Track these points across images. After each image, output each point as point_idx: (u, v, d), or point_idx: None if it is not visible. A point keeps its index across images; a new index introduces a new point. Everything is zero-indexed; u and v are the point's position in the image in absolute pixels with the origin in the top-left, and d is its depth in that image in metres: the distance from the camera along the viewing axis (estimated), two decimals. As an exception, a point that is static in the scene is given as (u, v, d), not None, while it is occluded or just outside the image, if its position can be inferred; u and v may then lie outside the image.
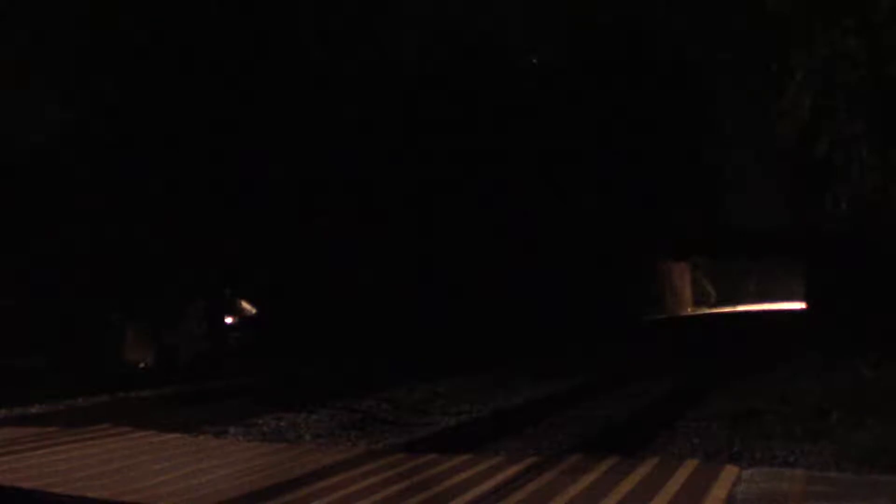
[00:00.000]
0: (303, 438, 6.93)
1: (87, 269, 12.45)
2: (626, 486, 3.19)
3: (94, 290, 12.53)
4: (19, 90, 11.99)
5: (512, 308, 20.84)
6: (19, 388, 9.31)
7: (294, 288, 15.58)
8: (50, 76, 12.45)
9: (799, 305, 28.95)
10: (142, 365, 12.99)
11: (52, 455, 4.11)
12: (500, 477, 3.41)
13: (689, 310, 48.91)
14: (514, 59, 23.64)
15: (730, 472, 3.35)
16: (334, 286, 16.28)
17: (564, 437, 6.66)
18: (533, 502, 3.03)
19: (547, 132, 25.90)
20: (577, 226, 30.69)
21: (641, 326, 28.92)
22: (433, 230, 19.34)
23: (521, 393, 9.47)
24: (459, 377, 11.02)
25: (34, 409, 8.42)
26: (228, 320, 14.66)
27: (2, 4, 11.94)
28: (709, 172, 41.36)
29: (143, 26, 13.23)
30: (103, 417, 6.05)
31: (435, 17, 18.92)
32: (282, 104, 15.28)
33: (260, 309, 15.06)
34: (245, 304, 14.94)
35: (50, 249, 12.13)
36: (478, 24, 20.84)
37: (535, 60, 25.07)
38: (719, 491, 3.05)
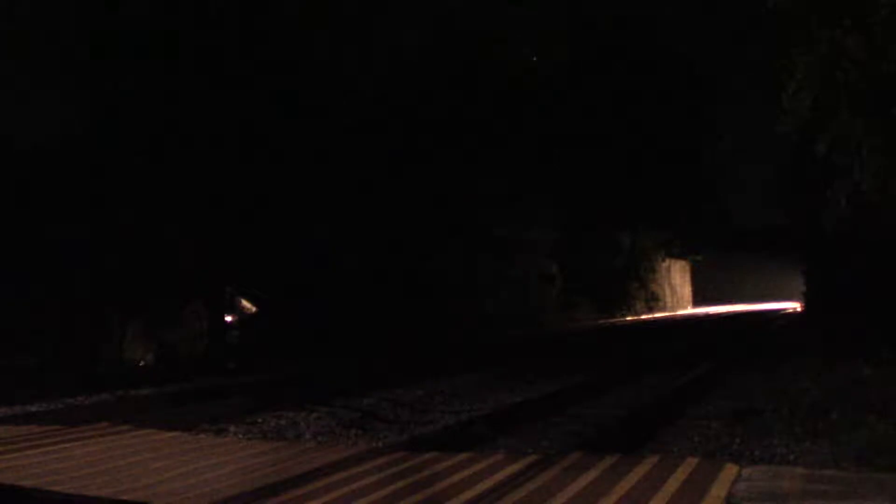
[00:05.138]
0: (303, 437, 6.93)
1: (88, 268, 12.45)
2: (625, 484, 3.19)
3: (94, 289, 12.53)
4: (21, 88, 11.98)
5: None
6: (19, 387, 9.31)
7: (294, 287, 15.59)
8: (52, 75, 12.45)
9: (799, 304, 28.98)
10: (141, 363, 12.99)
11: (51, 453, 4.11)
12: (500, 475, 3.41)
13: (688, 308, 48.92)
14: (515, 57, 23.68)
15: (729, 470, 3.35)
16: (334, 286, 16.29)
17: (564, 436, 6.67)
18: (533, 501, 3.02)
19: (545, 130, 25.93)
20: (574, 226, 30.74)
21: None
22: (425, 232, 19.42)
23: (521, 391, 9.48)
24: (459, 376, 11.03)
25: (34, 408, 8.41)
26: (228, 319, 14.65)
27: (4, 3, 11.94)
28: (709, 172, 41.43)
29: (143, 26, 13.23)
30: (103, 416, 6.05)
31: (434, 16, 18.93)
32: (280, 104, 15.29)
33: (260, 308, 15.05)
34: (245, 303, 14.93)
35: (50, 249, 12.13)
36: (478, 23, 20.86)
37: (535, 58, 25.08)
38: (719, 489, 3.05)
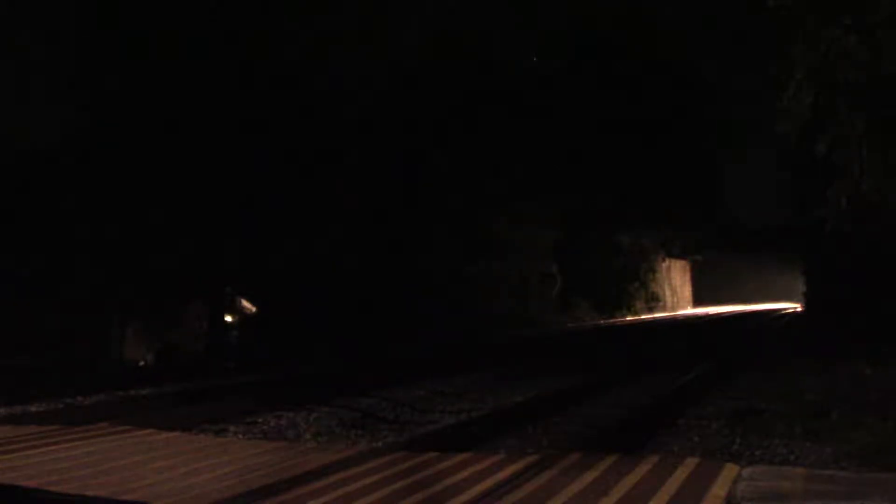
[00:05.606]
0: (303, 437, 6.93)
1: (88, 268, 12.44)
2: (625, 484, 3.19)
3: (94, 289, 12.53)
4: (20, 89, 11.98)
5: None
6: (19, 387, 9.30)
7: (294, 287, 15.59)
8: (51, 75, 12.45)
9: (799, 305, 28.99)
10: (142, 363, 12.98)
11: (51, 453, 4.10)
12: (499, 475, 3.41)
13: (689, 308, 48.89)
14: (515, 57, 23.68)
15: (730, 470, 3.35)
16: (334, 286, 16.28)
17: (564, 436, 6.67)
18: (533, 501, 3.02)
19: (546, 131, 25.92)
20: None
21: None
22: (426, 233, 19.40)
23: (522, 391, 9.47)
24: (459, 376, 11.03)
25: (34, 408, 8.41)
26: (228, 319, 14.66)
27: (3, 3, 11.94)
28: (710, 171, 41.40)
29: (141, 24, 13.23)
30: (103, 416, 6.05)
31: (434, 16, 18.93)
32: (280, 105, 15.29)
33: (260, 307, 15.06)
34: (245, 303, 14.93)
35: (51, 249, 12.13)
36: (478, 23, 20.86)
37: (535, 58, 25.08)
38: (719, 489, 3.05)
